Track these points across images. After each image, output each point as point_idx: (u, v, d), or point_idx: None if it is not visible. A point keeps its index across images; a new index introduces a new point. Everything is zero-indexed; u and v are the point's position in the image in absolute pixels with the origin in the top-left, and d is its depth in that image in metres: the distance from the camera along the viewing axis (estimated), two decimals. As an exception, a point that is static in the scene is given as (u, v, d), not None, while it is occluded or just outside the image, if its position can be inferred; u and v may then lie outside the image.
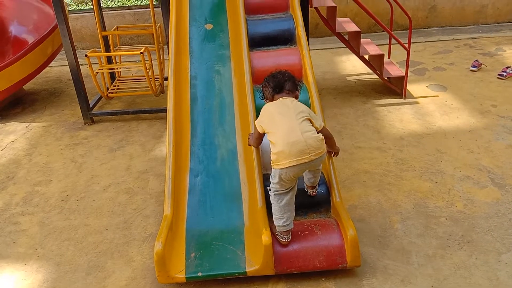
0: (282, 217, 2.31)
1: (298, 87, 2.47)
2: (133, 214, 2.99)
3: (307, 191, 2.54)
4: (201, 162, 2.81)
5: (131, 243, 2.73)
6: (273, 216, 2.34)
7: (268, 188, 2.40)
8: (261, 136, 2.46)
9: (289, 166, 2.20)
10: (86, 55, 4.00)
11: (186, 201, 2.63)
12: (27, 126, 4.33)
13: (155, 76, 4.29)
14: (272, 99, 2.43)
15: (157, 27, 4.23)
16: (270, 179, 2.34)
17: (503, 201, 2.88)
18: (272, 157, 2.27)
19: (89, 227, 2.90)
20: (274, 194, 2.32)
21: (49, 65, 4.91)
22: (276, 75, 2.45)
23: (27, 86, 5.12)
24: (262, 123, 2.36)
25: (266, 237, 2.23)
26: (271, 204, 2.50)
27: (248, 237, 2.43)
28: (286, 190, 2.30)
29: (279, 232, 2.33)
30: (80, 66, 4.27)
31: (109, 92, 4.46)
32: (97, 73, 4.26)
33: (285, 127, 2.24)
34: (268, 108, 2.39)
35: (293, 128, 2.22)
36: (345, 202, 2.88)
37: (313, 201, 2.57)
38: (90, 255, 2.66)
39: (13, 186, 3.39)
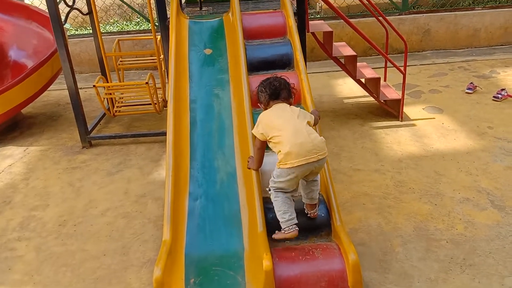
0: (287, 211, 2.37)
1: (292, 94, 2.56)
2: (131, 239, 2.96)
3: (307, 213, 2.53)
4: (201, 186, 2.80)
5: (129, 269, 2.69)
6: (277, 214, 2.39)
7: (267, 189, 2.44)
8: (263, 145, 2.48)
9: (298, 165, 2.27)
10: (94, 86, 4.06)
11: (185, 226, 2.61)
12: (24, 150, 4.32)
13: (157, 89, 4.34)
14: (267, 105, 2.52)
15: (157, 41, 4.27)
16: (273, 178, 2.38)
17: (504, 223, 2.87)
18: (279, 157, 2.33)
19: (86, 253, 2.86)
20: (276, 192, 2.38)
21: (47, 89, 4.93)
22: (273, 83, 2.52)
23: (25, 110, 5.12)
24: (263, 130, 2.40)
25: (267, 262, 2.20)
26: (271, 227, 2.49)
27: (249, 262, 2.40)
28: (289, 191, 2.38)
29: (285, 229, 2.37)
30: (79, 90, 4.29)
31: (115, 110, 4.49)
32: (105, 98, 4.31)
33: (290, 128, 2.32)
34: (266, 115, 2.44)
35: (298, 130, 2.31)
36: (346, 225, 2.86)
37: (313, 225, 2.55)
38: (87, 282, 2.61)
39: (10, 211, 3.36)
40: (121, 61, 4.78)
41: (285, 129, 2.32)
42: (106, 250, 2.86)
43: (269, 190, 2.43)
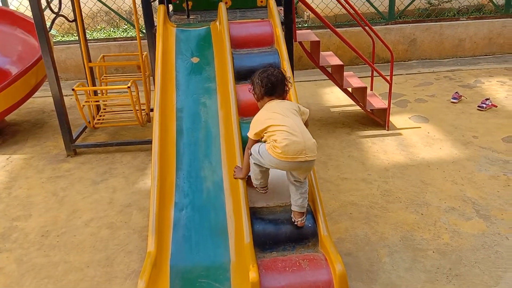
0: (260, 180, 2.52)
1: (287, 88, 2.54)
2: (115, 250, 2.90)
3: (295, 221, 2.51)
4: (186, 196, 2.76)
5: (113, 281, 2.63)
6: (251, 176, 2.55)
7: (249, 153, 2.47)
8: (254, 144, 2.48)
9: (284, 160, 2.28)
10: (73, 89, 3.99)
11: (170, 237, 2.57)
12: (7, 159, 4.23)
13: (141, 105, 4.29)
14: (260, 98, 2.52)
15: (143, 56, 4.25)
16: (258, 152, 2.40)
17: (489, 232, 2.89)
18: (271, 142, 2.32)
19: (69, 264, 2.80)
20: (255, 164, 2.46)
21: (32, 96, 4.86)
22: (270, 78, 2.48)
23: (9, 117, 5.03)
24: (257, 129, 2.41)
25: (253, 274, 2.18)
26: (258, 239, 2.47)
27: (235, 274, 2.37)
28: (267, 168, 2.46)
29: (257, 186, 2.57)
30: (64, 97, 4.23)
31: (96, 123, 4.42)
32: (84, 105, 4.25)
33: (286, 123, 2.32)
34: (260, 115, 2.45)
35: (293, 127, 2.31)
36: (333, 235, 2.85)
37: (300, 235, 2.52)
38: (70, 294, 2.55)
39: (-9, 221, 3.28)
40: (105, 76, 4.72)
41: (282, 123, 2.32)
42: (90, 262, 2.81)
43: (251, 154, 2.47)
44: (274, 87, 2.49)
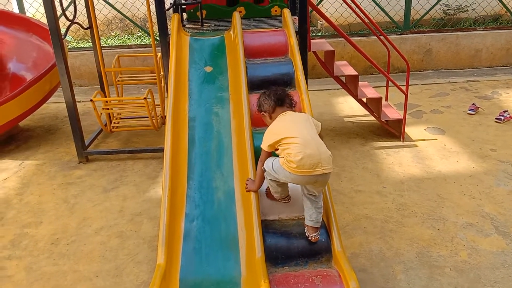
0: (280, 192, 2.48)
1: (294, 104, 2.57)
2: (125, 260, 2.87)
3: (309, 236, 2.43)
4: (197, 207, 2.72)
5: (122, 292, 2.60)
6: (271, 190, 2.52)
7: (263, 169, 2.43)
8: (268, 156, 2.44)
9: (300, 175, 2.23)
10: (91, 100, 4.01)
11: (180, 248, 2.52)
12: (20, 164, 4.25)
13: (156, 106, 4.29)
14: (272, 112, 2.49)
15: (157, 57, 4.25)
16: (272, 169, 2.36)
17: (509, 250, 2.79)
18: (286, 157, 2.28)
19: (78, 273, 2.77)
20: (271, 180, 2.42)
21: (46, 102, 4.89)
22: (276, 91, 2.55)
23: (22, 123, 5.06)
24: (271, 141, 2.36)
25: (264, 290, 2.12)
26: (270, 253, 2.41)
27: (246, 289, 2.31)
28: (286, 185, 2.44)
29: (278, 198, 2.53)
30: (78, 103, 4.24)
31: (112, 126, 4.43)
32: (101, 113, 4.28)
33: (301, 135, 2.28)
34: (274, 126, 2.42)
35: (309, 139, 2.27)
36: (346, 250, 2.78)
37: (313, 250, 2.46)
38: (78, 305, 2.52)
39: (1, 228, 3.27)
40: (120, 77, 4.74)
41: (296, 134, 2.28)
42: (99, 271, 2.78)
43: (265, 170, 2.42)
44: (283, 97, 2.52)
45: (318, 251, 2.46)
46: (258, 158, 2.50)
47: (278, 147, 2.34)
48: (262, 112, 2.56)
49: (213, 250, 2.52)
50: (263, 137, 2.46)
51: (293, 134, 2.29)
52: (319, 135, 2.42)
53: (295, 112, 2.51)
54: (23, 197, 3.67)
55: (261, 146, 2.45)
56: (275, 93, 2.54)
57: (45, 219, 3.35)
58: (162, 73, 4.39)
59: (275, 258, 2.42)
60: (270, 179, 2.43)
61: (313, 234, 2.40)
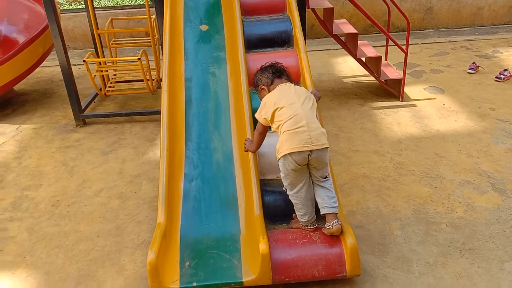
0: (306, 213, 2.31)
1: (292, 80, 2.53)
2: (125, 220, 2.90)
3: (329, 226, 2.25)
4: (196, 167, 2.73)
5: (123, 251, 2.64)
6: (297, 213, 2.34)
7: (283, 188, 2.35)
8: (265, 129, 2.41)
9: (290, 153, 2.19)
10: (84, 61, 3.93)
11: (180, 208, 2.55)
12: (17, 128, 4.23)
13: (151, 70, 4.23)
14: (271, 84, 2.44)
15: (152, 20, 4.15)
16: (282, 176, 2.30)
17: (504, 207, 2.83)
18: (277, 147, 2.27)
19: (80, 234, 2.81)
20: (291, 194, 2.30)
21: (40, 66, 4.81)
22: (273, 64, 2.53)
23: (17, 87, 5.01)
24: (266, 115, 2.32)
25: (263, 246, 2.16)
26: (268, 210, 2.44)
27: (245, 245, 2.35)
28: (300, 186, 2.27)
29: (304, 225, 2.34)
30: (72, 66, 4.17)
31: (107, 91, 4.38)
32: (95, 75, 4.21)
33: (290, 114, 2.24)
34: (270, 97, 2.36)
35: (299, 117, 2.22)
36: (344, 208, 2.82)
37: (311, 208, 2.49)
38: (80, 263, 2.57)
39: (2, 191, 3.29)
40: (114, 41, 4.64)
41: (286, 114, 2.24)
42: (100, 231, 2.81)
43: (285, 189, 2.34)
44: (280, 69, 2.49)
45: (316, 209, 2.49)
46: (255, 114, 2.43)
47: (272, 124, 2.30)
48: (260, 87, 2.49)
49: (213, 209, 2.55)
50: (260, 104, 2.39)
51: (282, 116, 2.24)
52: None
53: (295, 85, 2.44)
54: (22, 161, 3.67)
55: (255, 115, 2.39)
56: (272, 65, 2.50)
57: (45, 181, 3.37)
58: (156, 36, 4.30)
59: (273, 215, 2.46)
60: (291, 194, 2.31)
61: (333, 222, 2.24)
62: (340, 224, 2.24)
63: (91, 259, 2.59)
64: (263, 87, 2.48)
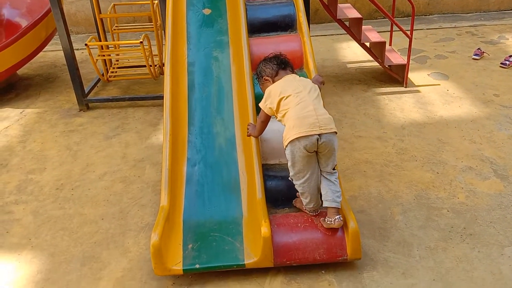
0: (312, 201, 2.30)
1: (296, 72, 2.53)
2: (129, 203, 2.93)
3: (330, 221, 2.23)
4: (199, 152, 2.74)
5: (127, 233, 2.67)
6: (302, 200, 2.34)
7: (289, 179, 2.33)
8: (267, 118, 2.40)
9: (298, 137, 2.15)
10: (86, 44, 3.93)
11: (183, 192, 2.57)
12: (21, 112, 4.24)
13: (154, 56, 4.22)
14: (275, 75, 2.42)
15: (154, 5, 4.13)
16: (289, 165, 2.26)
17: (506, 193, 2.84)
18: (283, 134, 2.25)
19: (84, 217, 2.84)
20: (298, 184, 2.28)
21: (43, 50, 4.80)
22: (277, 56, 2.51)
23: (21, 71, 5.01)
24: (271, 105, 2.31)
25: (265, 229, 2.18)
26: (270, 194, 2.46)
27: (247, 229, 2.38)
28: (309, 175, 2.23)
29: (306, 208, 2.36)
30: (75, 51, 4.17)
31: (109, 76, 4.37)
32: (97, 59, 4.20)
33: (297, 101, 2.23)
34: (276, 87, 2.34)
35: (306, 103, 2.22)
36: (346, 193, 2.83)
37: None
38: (85, 246, 2.60)
39: (6, 174, 3.32)
40: (116, 26, 4.62)
41: (292, 102, 2.23)
42: (104, 215, 2.85)
43: (291, 179, 2.32)
44: (284, 60, 2.48)
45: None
46: (259, 104, 2.43)
47: (279, 114, 2.29)
48: (264, 78, 2.46)
49: (215, 193, 2.57)
50: (265, 93, 2.38)
51: (288, 105, 2.23)
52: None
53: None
54: (26, 145, 3.69)
55: (260, 105, 2.38)
56: (276, 56, 2.48)
57: (49, 165, 3.40)
58: (159, 21, 4.27)
59: (275, 199, 2.48)
60: (297, 187, 2.30)
61: (334, 218, 2.23)
62: (342, 220, 2.23)
63: (95, 242, 2.63)
64: (267, 78, 2.45)
